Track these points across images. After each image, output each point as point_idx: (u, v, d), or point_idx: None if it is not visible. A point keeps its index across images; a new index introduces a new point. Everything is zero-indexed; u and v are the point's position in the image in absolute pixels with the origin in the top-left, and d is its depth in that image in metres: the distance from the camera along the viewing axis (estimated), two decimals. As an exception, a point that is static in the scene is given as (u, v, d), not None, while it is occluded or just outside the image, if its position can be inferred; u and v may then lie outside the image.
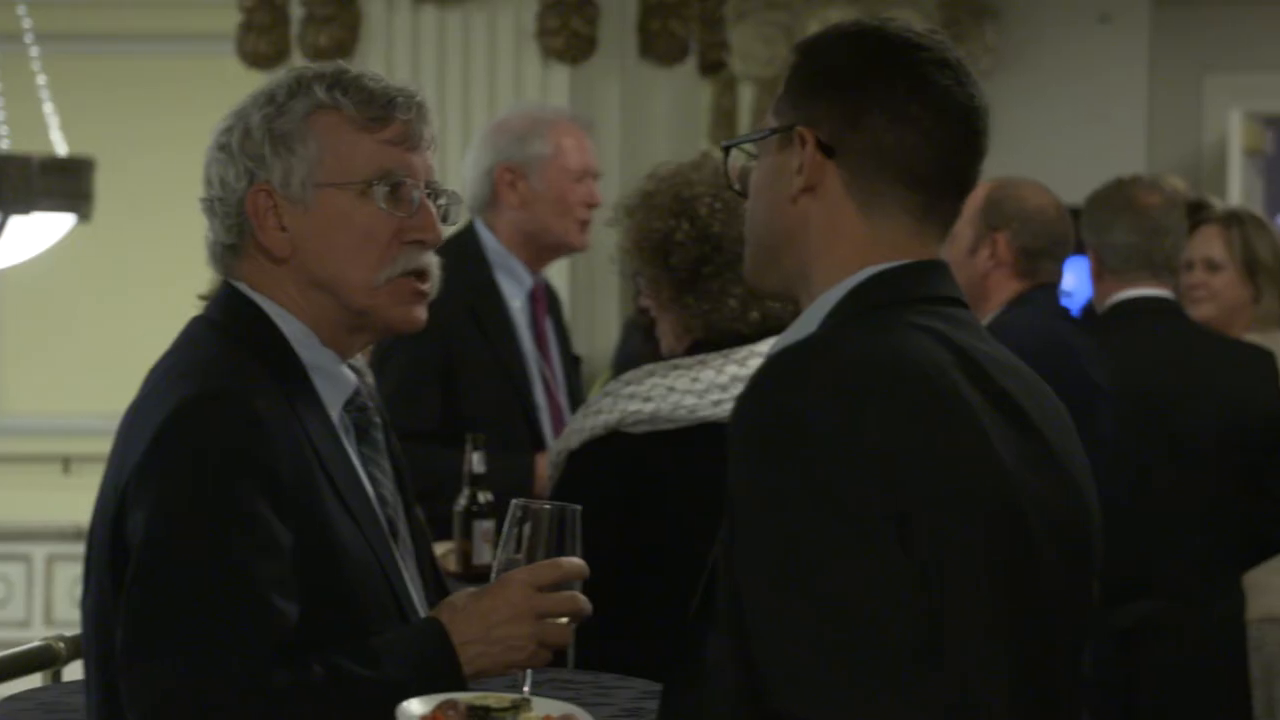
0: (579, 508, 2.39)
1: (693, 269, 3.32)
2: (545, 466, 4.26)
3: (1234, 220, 5.07)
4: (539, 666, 2.38)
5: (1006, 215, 4.32)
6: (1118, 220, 4.56)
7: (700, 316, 3.34)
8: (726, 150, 2.28)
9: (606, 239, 3.65)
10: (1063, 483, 2.11)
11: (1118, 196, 4.61)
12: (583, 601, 2.37)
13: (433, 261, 2.52)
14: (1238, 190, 8.80)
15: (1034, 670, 2.03)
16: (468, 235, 4.53)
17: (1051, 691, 2.08)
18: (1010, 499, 2.01)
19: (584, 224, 4.54)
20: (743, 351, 3.31)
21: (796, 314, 2.15)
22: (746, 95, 7.86)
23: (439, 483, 3.91)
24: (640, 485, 3.26)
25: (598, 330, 5.87)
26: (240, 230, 2.46)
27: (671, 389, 3.28)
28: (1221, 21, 9.14)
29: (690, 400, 3.27)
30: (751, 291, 3.13)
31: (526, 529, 2.36)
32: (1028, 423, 2.09)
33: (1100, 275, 4.65)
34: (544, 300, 4.63)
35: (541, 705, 2.19)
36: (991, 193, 4.34)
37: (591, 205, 4.55)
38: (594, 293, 5.84)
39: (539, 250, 4.55)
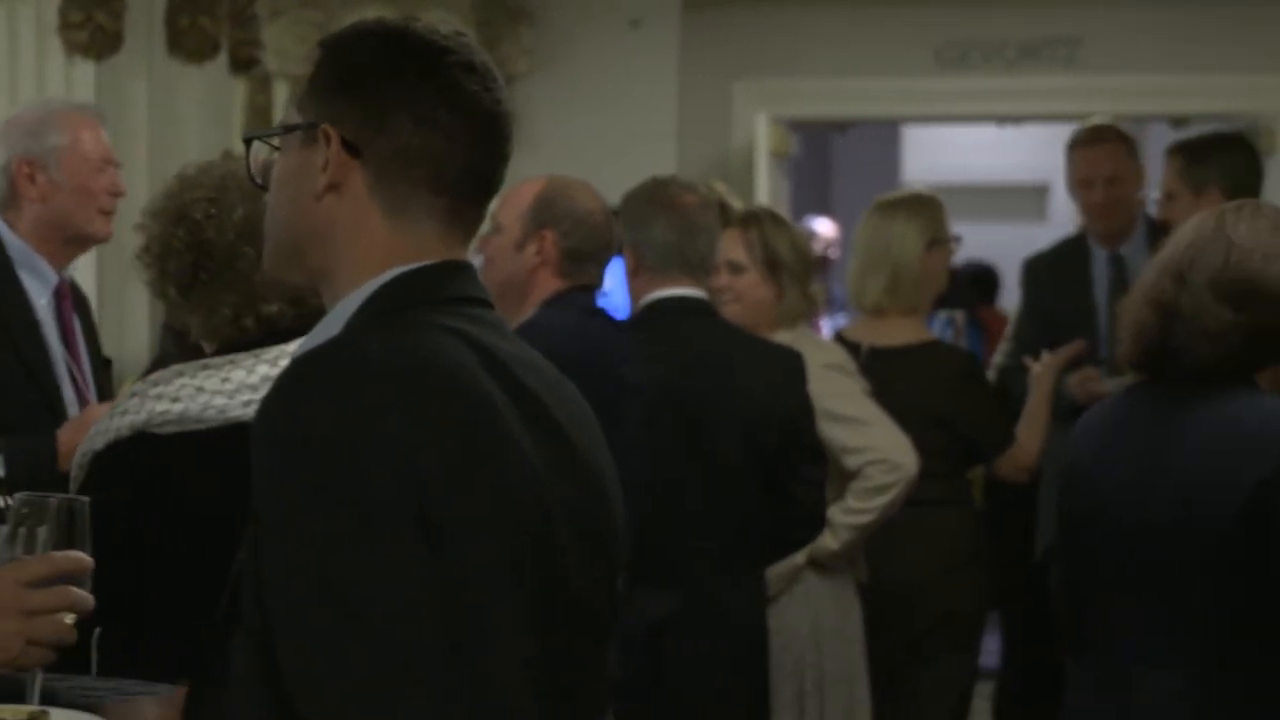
0: (87, 499, 2.32)
1: (190, 276, 3.29)
2: (70, 443, 4.15)
3: (752, 220, 5.17)
4: (35, 665, 2.28)
5: (557, 215, 4.31)
6: (656, 218, 4.61)
7: (198, 325, 3.31)
8: (249, 143, 2.25)
9: (134, 240, 3.57)
10: (587, 483, 2.14)
11: (657, 195, 4.65)
12: (77, 595, 2.27)
13: None
14: (765, 193, 9.04)
15: (559, 671, 2.05)
16: None
17: (577, 692, 2.10)
18: (536, 500, 2.02)
19: (108, 213, 4.46)
20: (274, 351, 3.28)
21: (299, 316, 2.14)
22: (281, 93, 7.78)
23: None
24: (167, 487, 3.20)
25: (128, 332, 5.75)
26: None
27: (201, 389, 3.23)
28: (749, 28, 9.38)
29: (220, 401, 3.22)
30: (250, 298, 3.15)
31: (33, 523, 2.28)
32: (553, 423, 2.11)
33: (637, 273, 4.69)
34: (70, 298, 4.51)
35: (60, 715, 2.13)
36: (543, 191, 4.32)
37: (115, 194, 4.48)
38: (123, 294, 5.71)
39: (64, 243, 4.45)
